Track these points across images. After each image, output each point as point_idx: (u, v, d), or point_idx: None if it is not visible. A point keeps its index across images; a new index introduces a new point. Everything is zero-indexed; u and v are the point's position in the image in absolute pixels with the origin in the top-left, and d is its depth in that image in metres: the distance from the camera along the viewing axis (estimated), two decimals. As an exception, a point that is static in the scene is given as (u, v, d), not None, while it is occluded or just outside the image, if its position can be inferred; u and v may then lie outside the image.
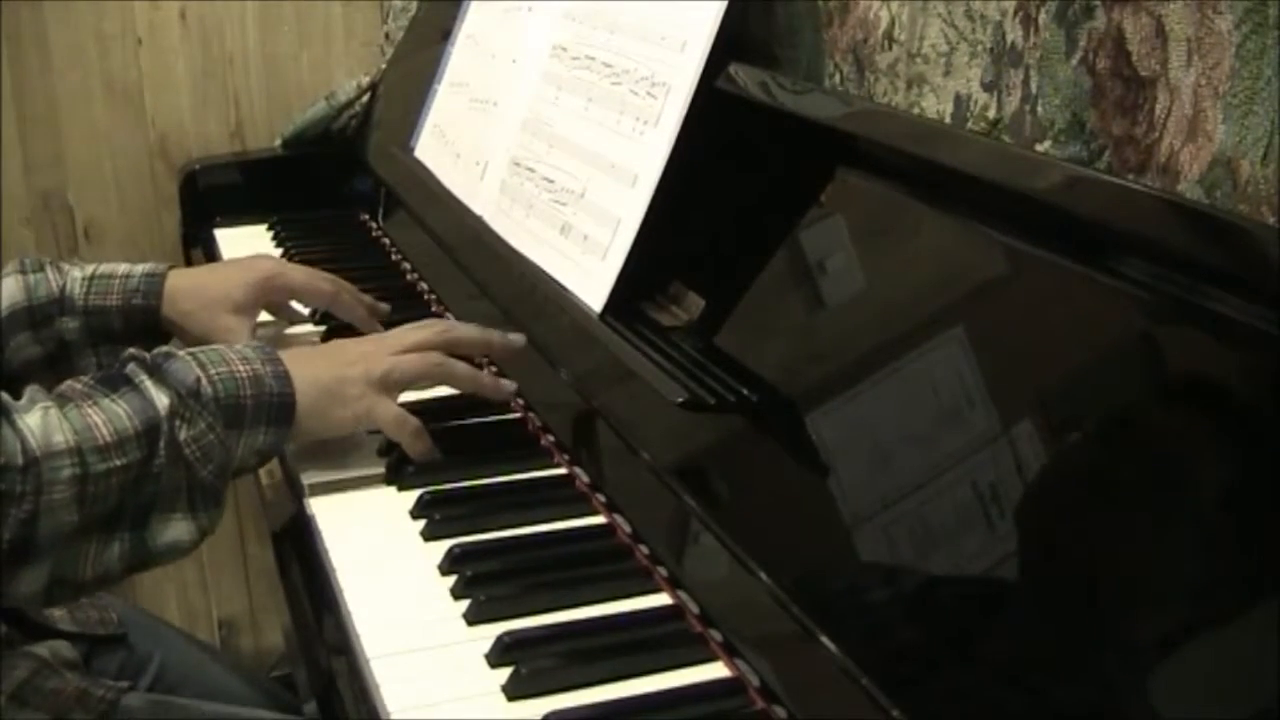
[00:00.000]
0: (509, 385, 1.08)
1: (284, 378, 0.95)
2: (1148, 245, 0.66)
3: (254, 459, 0.95)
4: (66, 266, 1.24)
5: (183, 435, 0.88)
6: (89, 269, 1.24)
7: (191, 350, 0.93)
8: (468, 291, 1.30)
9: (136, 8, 1.89)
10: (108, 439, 0.85)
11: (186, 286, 1.24)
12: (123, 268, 1.24)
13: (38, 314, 1.21)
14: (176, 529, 0.88)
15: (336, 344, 1.07)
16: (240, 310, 1.23)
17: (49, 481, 0.81)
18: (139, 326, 1.23)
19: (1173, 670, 0.59)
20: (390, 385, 1.00)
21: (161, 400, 0.88)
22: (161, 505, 0.87)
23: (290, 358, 0.97)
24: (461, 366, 1.05)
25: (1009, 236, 0.76)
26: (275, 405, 0.94)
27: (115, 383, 0.89)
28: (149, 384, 0.89)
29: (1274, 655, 0.53)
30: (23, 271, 1.21)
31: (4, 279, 1.21)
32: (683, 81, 1.04)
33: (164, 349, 0.93)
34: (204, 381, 0.91)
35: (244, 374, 0.93)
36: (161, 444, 0.87)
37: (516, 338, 1.09)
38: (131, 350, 0.92)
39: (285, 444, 0.97)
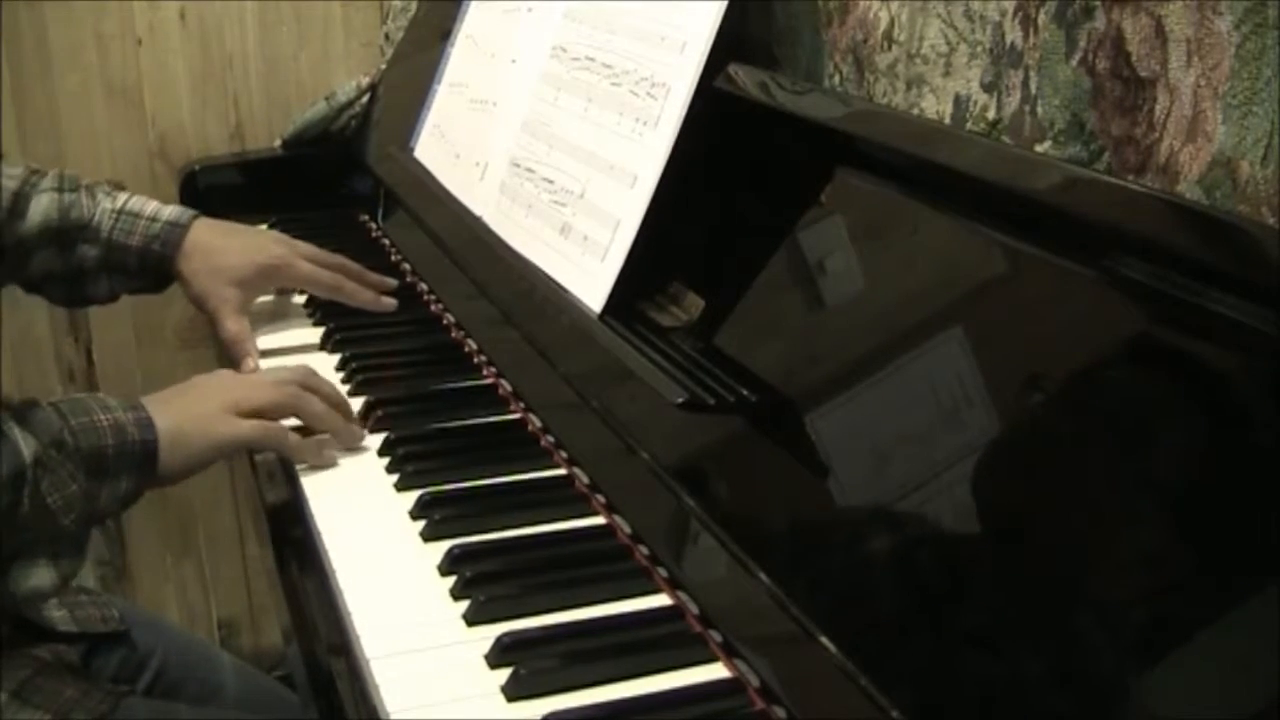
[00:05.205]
0: (360, 433, 1.07)
1: (146, 424, 0.96)
2: (1148, 245, 0.66)
3: (116, 505, 0.95)
4: (99, 194, 1.31)
5: (45, 484, 0.88)
6: (119, 200, 1.31)
7: (54, 401, 0.94)
8: (467, 292, 1.30)
9: (136, 8, 1.89)
10: None
11: (202, 245, 1.31)
12: (150, 208, 1.32)
13: (66, 235, 1.29)
14: (39, 576, 0.89)
15: (197, 381, 1.07)
16: (243, 286, 1.31)
17: None
18: (152, 268, 1.31)
19: (1177, 675, 0.59)
20: (244, 412, 1.01)
21: (28, 446, 0.88)
22: (24, 553, 0.89)
23: (151, 402, 0.98)
24: (317, 403, 1.05)
25: (1009, 236, 0.76)
26: (138, 453, 0.95)
27: None
28: (16, 431, 0.89)
29: (1276, 655, 0.53)
30: (59, 190, 1.30)
31: (41, 194, 1.29)
32: (682, 82, 1.04)
33: (30, 399, 0.94)
34: (66, 432, 0.91)
35: (105, 423, 0.94)
36: (25, 493, 0.87)
37: (359, 431, 1.07)
38: None
39: (148, 488, 0.97)
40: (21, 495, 0.87)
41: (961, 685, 0.66)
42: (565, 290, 1.10)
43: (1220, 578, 0.58)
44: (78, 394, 0.96)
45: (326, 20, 1.98)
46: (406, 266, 1.49)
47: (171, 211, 1.32)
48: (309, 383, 1.07)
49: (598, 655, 0.78)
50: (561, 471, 1.01)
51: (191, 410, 1.00)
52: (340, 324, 1.33)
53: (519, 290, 1.18)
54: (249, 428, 1.01)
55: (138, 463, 0.95)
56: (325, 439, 1.05)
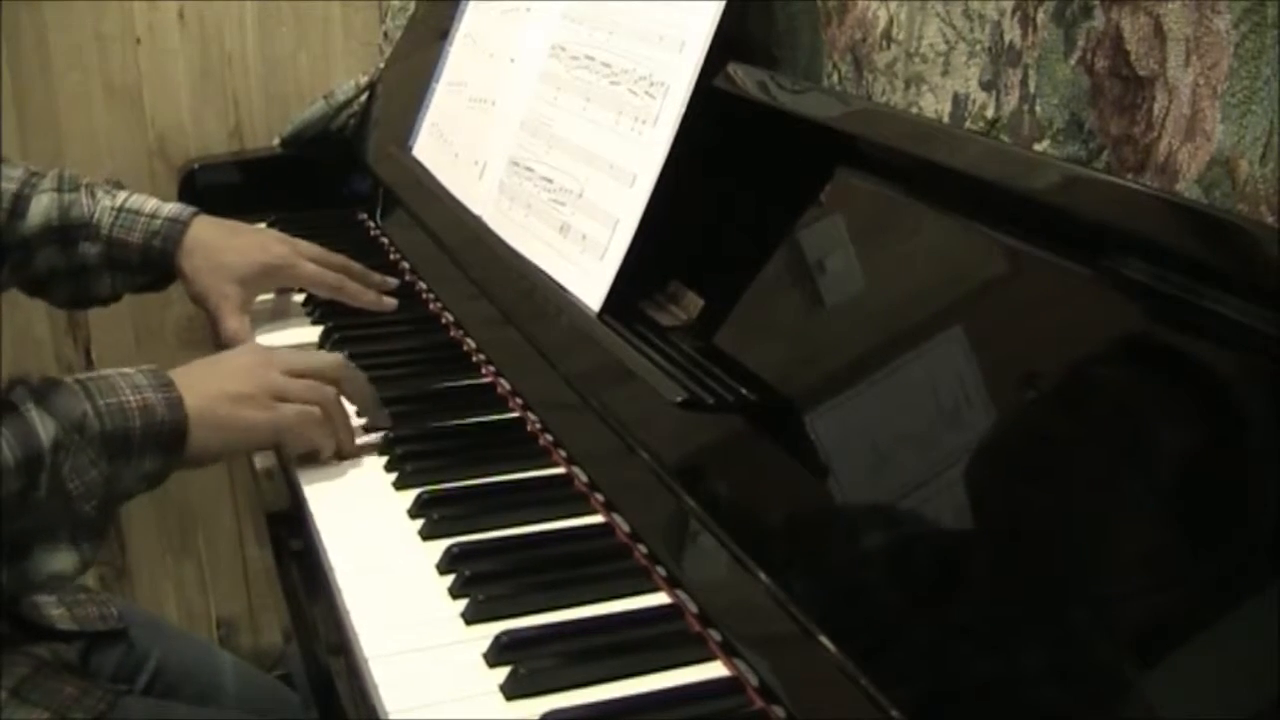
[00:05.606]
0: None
1: (176, 404, 0.94)
2: (1147, 245, 0.66)
3: (141, 485, 0.93)
4: (99, 192, 1.32)
5: (65, 469, 0.87)
6: (119, 198, 1.32)
7: (81, 378, 0.92)
8: (466, 291, 1.30)
9: (136, 8, 1.89)
10: None
11: (204, 242, 1.31)
12: (150, 205, 1.32)
13: (67, 234, 1.30)
14: (60, 560, 0.88)
15: (227, 358, 1.06)
16: (244, 284, 1.31)
17: None
18: (154, 264, 1.31)
19: (1177, 675, 0.59)
20: (282, 399, 1.00)
21: (46, 430, 0.86)
22: (44, 536, 0.87)
23: (182, 378, 0.96)
24: (345, 416, 1.04)
25: (1008, 236, 0.76)
26: (165, 433, 0.93)
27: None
28: (34, 412, 0.87)
29: (1276, 655, 0.53)
30: (59, 190, 1.30)
31: (41, 194, 1.30)
32: (681, 81, 1.04)
33: (52, 377, 0.92)
34: (90, 414, 0.89)
35: (134, 404, 0.92)
36: (43, 476, 0.86)
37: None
38: (19, 375, 0.91)
39: (175, 468, 0.95)
40: (38, 479, 0.85)
41: (961, 685, 0.66)
42: (564, 289, 1.10)
43: (1221, 578, 0.58)
44: (106, 370, 0.94)
45: (326, 20, 1.98)
46: (405, 266, 1.49)
47: (171, 208, 1.32)
48: (347, 378, 1.06)
49: (596, 654, 0.78)
50: (560, 470, 1.01)
51: (227, 390, 0.98)
52: (339, 323, 1.33)
53: (518, 289, 1.18)
54: (290, 420, 1.00)
55: (164, 443, 0.93)
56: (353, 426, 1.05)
